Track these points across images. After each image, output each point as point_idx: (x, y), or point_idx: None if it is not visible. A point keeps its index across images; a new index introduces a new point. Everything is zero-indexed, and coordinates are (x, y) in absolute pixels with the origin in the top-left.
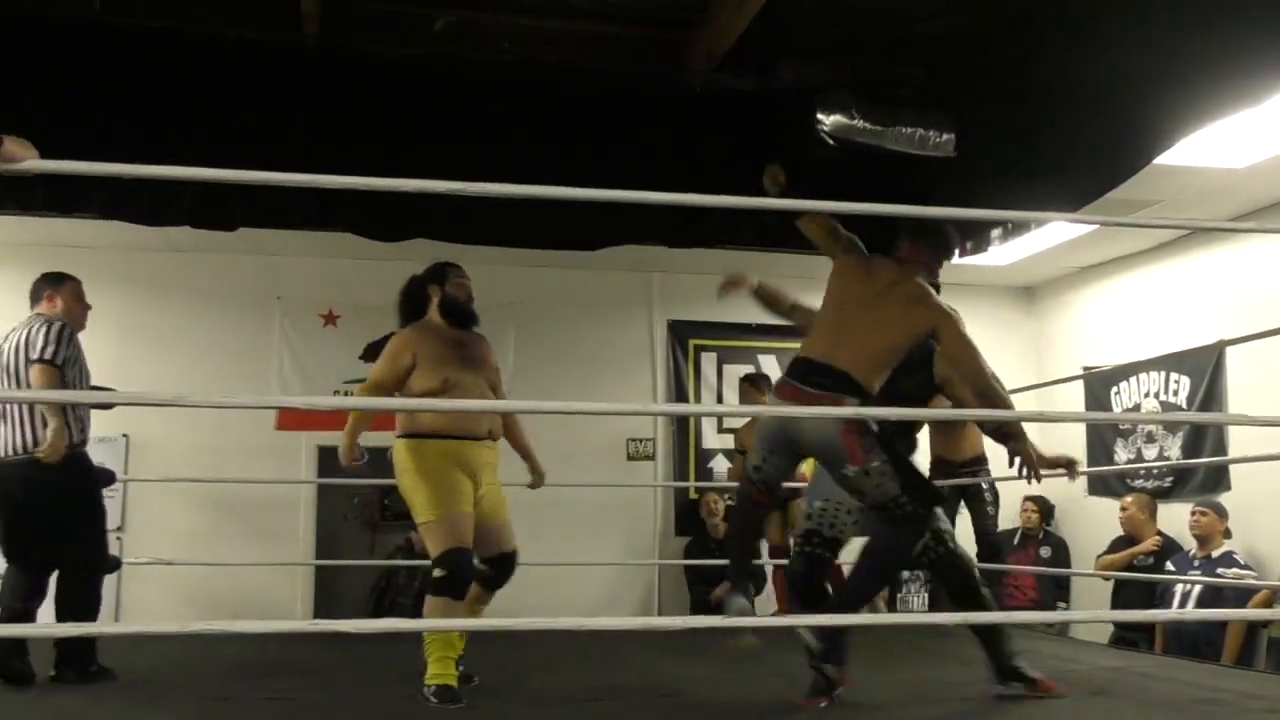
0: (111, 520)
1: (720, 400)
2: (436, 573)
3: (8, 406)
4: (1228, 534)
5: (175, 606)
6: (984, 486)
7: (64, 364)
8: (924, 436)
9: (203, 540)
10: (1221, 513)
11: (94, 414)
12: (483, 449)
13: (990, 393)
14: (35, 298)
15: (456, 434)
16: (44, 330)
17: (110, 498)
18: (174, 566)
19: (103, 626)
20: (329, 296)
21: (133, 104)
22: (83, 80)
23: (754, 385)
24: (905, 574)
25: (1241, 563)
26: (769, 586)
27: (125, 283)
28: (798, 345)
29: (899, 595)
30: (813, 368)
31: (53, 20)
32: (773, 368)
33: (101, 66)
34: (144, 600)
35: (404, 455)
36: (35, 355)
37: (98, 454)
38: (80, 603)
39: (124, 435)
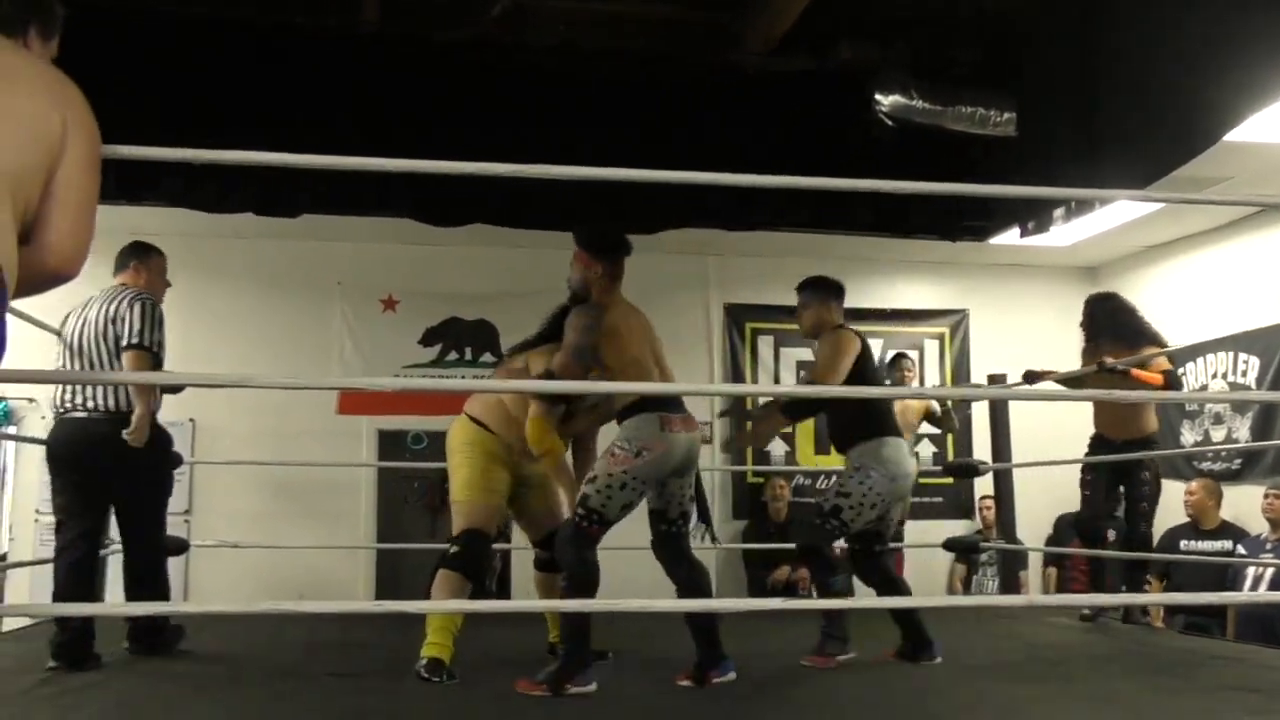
0: (179, 503)
1: (777, 382)
2: (452, 549)
3: (99, 364)
4: None
5: (241, 588)
6: (1144, 473)
7: (159, 349)
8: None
9: (267, 523)
10: None
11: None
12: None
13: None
14: (120, 266)
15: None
16: (139, 309)
17: (177, 481)
18: (239, 549)
19: (172, 606)
20: (389, 282)
21: (197, 93)
22: (149, 70)
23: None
24: (983, 557)
25: None
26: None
27: (190, 269)
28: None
29: (975, 578)
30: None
31: (120, 11)
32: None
33: (168, 57)
34: (211, 582)
35: (454, 435)
36: (134, 339)
37: None
38: (154, 581)
39: (190, 420)
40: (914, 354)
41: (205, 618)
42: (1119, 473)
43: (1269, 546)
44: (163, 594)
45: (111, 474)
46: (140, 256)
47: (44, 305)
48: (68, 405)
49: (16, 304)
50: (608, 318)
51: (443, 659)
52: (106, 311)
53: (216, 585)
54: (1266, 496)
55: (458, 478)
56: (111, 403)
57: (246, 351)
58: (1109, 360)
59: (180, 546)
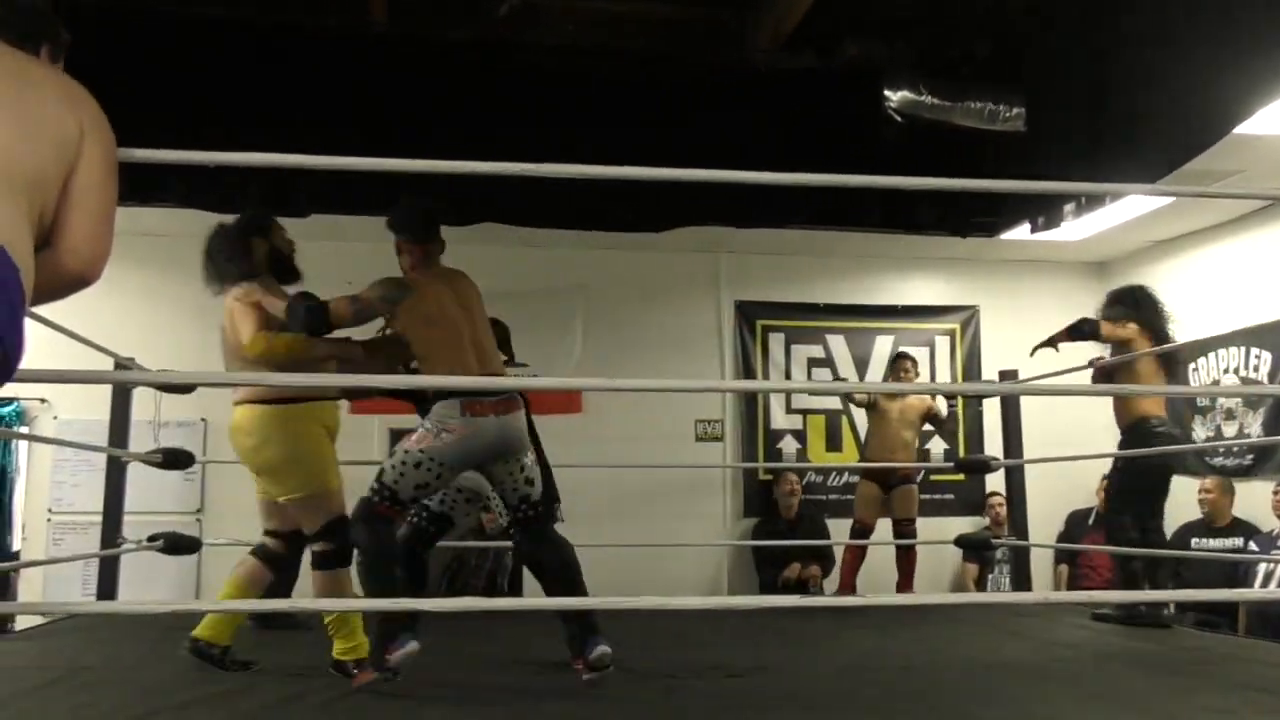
0: (190, 503)
1: (788, 379)
2: (319, 547)
3: None
4: None
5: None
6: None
7: None
8: (994, 411)
9: None
10: None
11: (174, 398)
12: (337, 410)
13: None
14: None
15: (322, 395)
16: None
17: (189, 480)
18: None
19: (186, 604)
20: None
21: (203, 94)
22: (156, 71)
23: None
24: (997, 555)
25: None
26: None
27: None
28: (866, 325)
29: (990, 576)
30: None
31: (127, 12)
32: (841, 347)
33: (174, 57)
34: (224, 580)
35: (263, 423)
36: None
37: (177, 438)
38: None
39: (202, 419)
40: (924, 350)
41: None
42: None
43: None
44: None
45: None
46: None
47: (56, 305)
48: None
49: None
50: (415, 300)
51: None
52: None
53: None
54: (1276, 493)
55: (296, 473)
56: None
57: None
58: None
59: (192, 545)
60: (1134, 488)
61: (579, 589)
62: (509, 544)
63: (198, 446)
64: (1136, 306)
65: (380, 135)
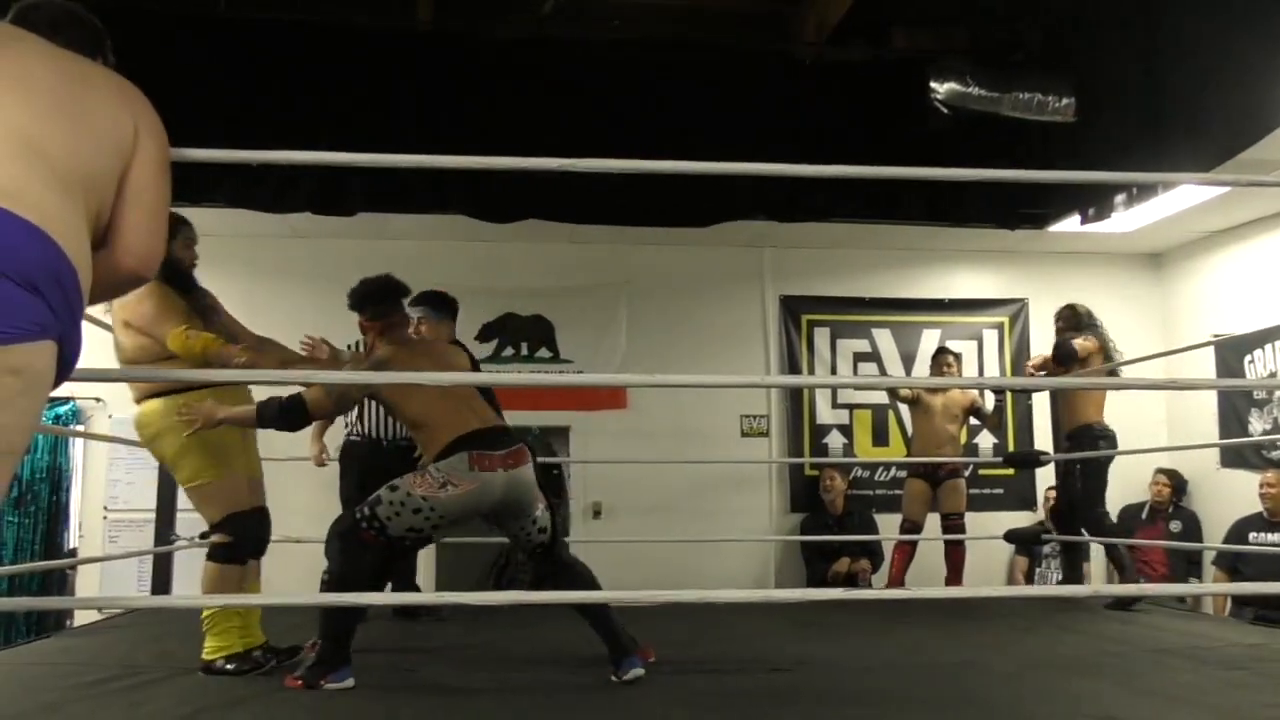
0: None
1: (833, 374)
2: (217, 538)
3: None
4: None
5: (303, 581)
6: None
7: None
8: (1045, 404)
9: (328, 518)
10: None
11: None
12: (240, 394)
13: None
14: None
15: (211, 382)
16: None
17: None
18: (301, 544)
19: (236, 598)
20: (445, 278)
21: (255, 95)
22: (208, 74)
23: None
24: (1045, 549)
25: None
26: (886, 562)
27: (250, 268)
28: (913, 319)
29: (1038, 570)
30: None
31: (180, 18)
32: (887, 341)
33: (225, 60)
34: (274, 576)
35: (159, 416)
36: None
37: None
38: None
39: None
40: (971, 344)
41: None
42: (1065, 463)
43: None
44: None
45: None
46: None
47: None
48: None
49: None
50: (396, 369)
51: (240, 651)
52: None
53: (279, 580)
54: None
55: (188, 463)
56: None
57: None
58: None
59: None
60: (1099, 485)
61: (600, 611)
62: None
63: None
64: (1092, 326)
65: (427, 133)
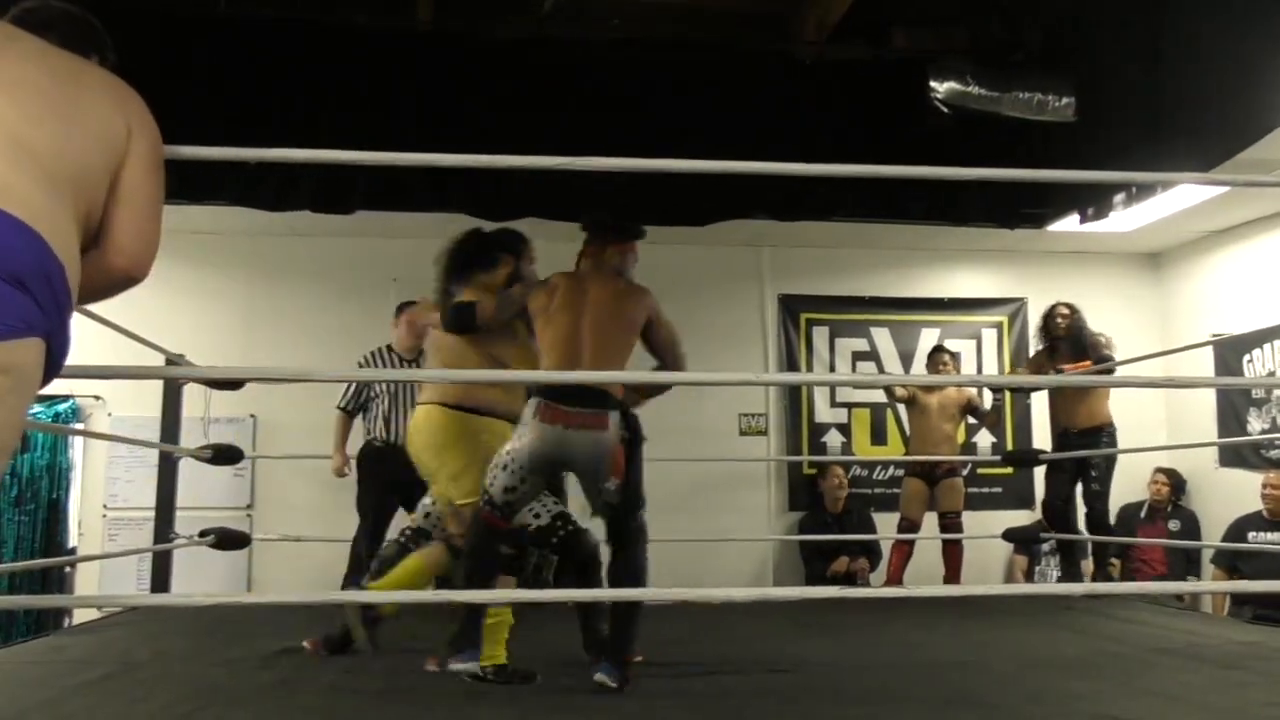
0: (241, 498)
1: (832, 372)
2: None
3: None
4: None
5: (304, 580)
6: (1095, 459)
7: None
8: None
9: (329, 516)
10: None
11: (223, 394)
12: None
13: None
14: None
15: (510, 417)
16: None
17: (239, 475)
18: (302, 543)
19: (234, 596)
20: None
21: (255, 94)
22: (208, 73)
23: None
24: (1044, 548)
25: None
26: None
27: (249, 267)
28: (912, 318)
29: (1037, 568)
30: (572, 391)
31: (180, 18)
32: (886, 341)
33: (225, 59)
34: (274, 574)
35: (457, 426)
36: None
37: (227, 434)
38: None
39: (251, 416)
40: (970, 344)
41: (268, 608)
42: (1078, 462)
43: None
44: None
45: None
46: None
47: (108, 303)
48: None
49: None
50: (539, 294)
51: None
52: None
53: (279, 579)
54: None
55: (469, 478)
56: None
57: (307, 348)
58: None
59: (242, 540)
60: (1109, 486)
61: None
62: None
63: (247, 442)
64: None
65: (427, 132)
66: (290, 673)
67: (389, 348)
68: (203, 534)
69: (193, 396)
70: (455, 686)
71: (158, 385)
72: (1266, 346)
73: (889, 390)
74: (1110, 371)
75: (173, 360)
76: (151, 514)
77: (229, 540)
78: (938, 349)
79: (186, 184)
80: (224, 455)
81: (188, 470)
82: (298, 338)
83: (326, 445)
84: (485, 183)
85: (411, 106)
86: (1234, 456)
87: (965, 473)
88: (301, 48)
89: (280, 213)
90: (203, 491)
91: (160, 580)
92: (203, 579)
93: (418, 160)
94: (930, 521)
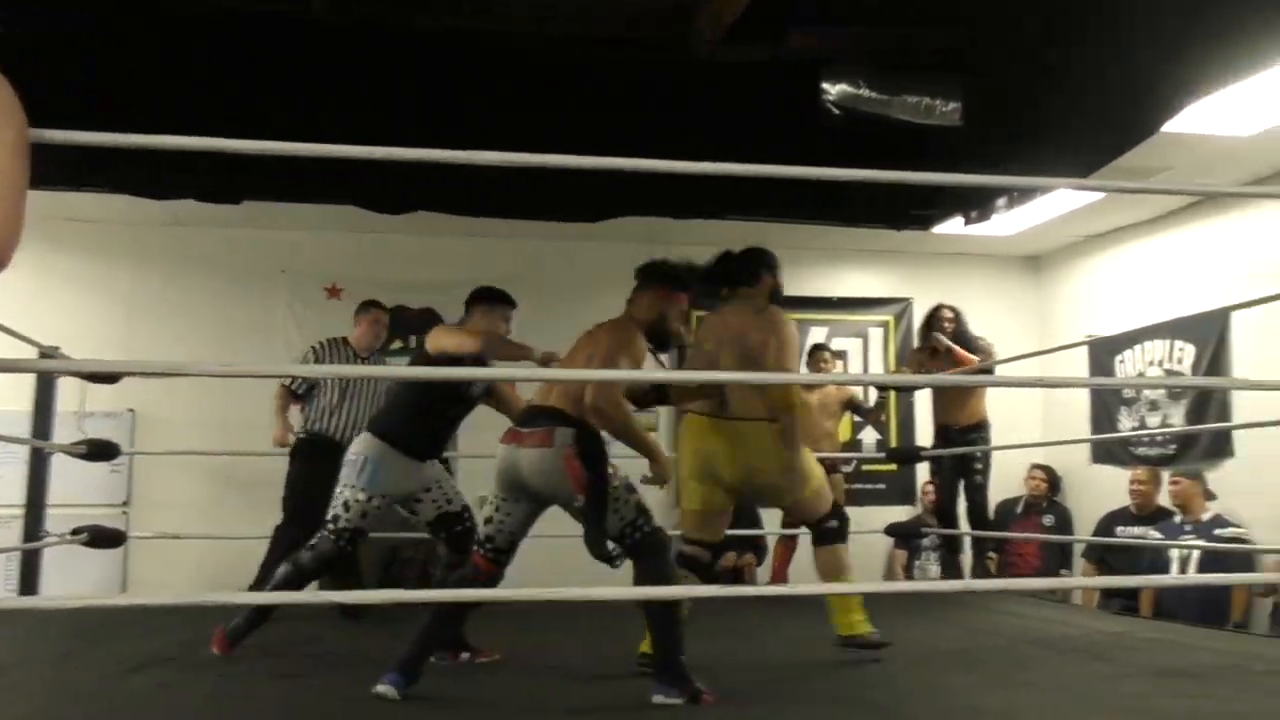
0: (117, 495)
1: None
2: (831, 524)
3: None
4: (1210, 497)
5: (183, 581)
6: (977, 454)
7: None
8: (926, 401)
9: (210, 514)
10: (1197, 478)
11: (100, 388)
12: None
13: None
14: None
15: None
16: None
17: (116, 472)
18: (181, 540)
19: (106, 598)
20: (334, 270)
21: (143, 79)
22: (93, 54)
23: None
24: (924, 543)
25: (1233, 523)
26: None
27: (131, 257)
28: (801, 317)
29: (916, 563)
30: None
31: None
32: None
33: (111, 41)
34: (151, 574)
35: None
36: None
37: (104, 429)
38: None
39: (130, 410)
40: (857, 342)
41: (143, 610)
42: (960, 458)
43: (1189, 528)
44: None
45: None
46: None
47: None
48: None
49: None
50: None
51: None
52: None
53: (157, 578)
54: (1171, 482)
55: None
56: None
57: (190, 341)
58: (940, 338)
59: (117, 539)
60: (989, 481)
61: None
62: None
63: (125, 438)
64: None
65: (317, 121)
66: (167, 676)
67: (345, 340)
68: (75, 532)
69: (67, 390)
70: (340, 700)
71: (29, 377)
72: (1137, 347)
73: None
74: (989, 371)
75: (46, 353)
76: (20, 511)
77: (103, 538)
78: (818, 347)
79: (66, 169)
80: (100, 451)
81: (61, 466)
82: (181, 330)
83: (208, 441)
84: (376, 175)
85: (301, 96)
86: (1105, 453)
87: (848, 469)
88: (193, 31)
89: (164, 201)
90: (76, 488)
91: (29, 581)
92: (75, 579)
93: (305, 150)
94: None
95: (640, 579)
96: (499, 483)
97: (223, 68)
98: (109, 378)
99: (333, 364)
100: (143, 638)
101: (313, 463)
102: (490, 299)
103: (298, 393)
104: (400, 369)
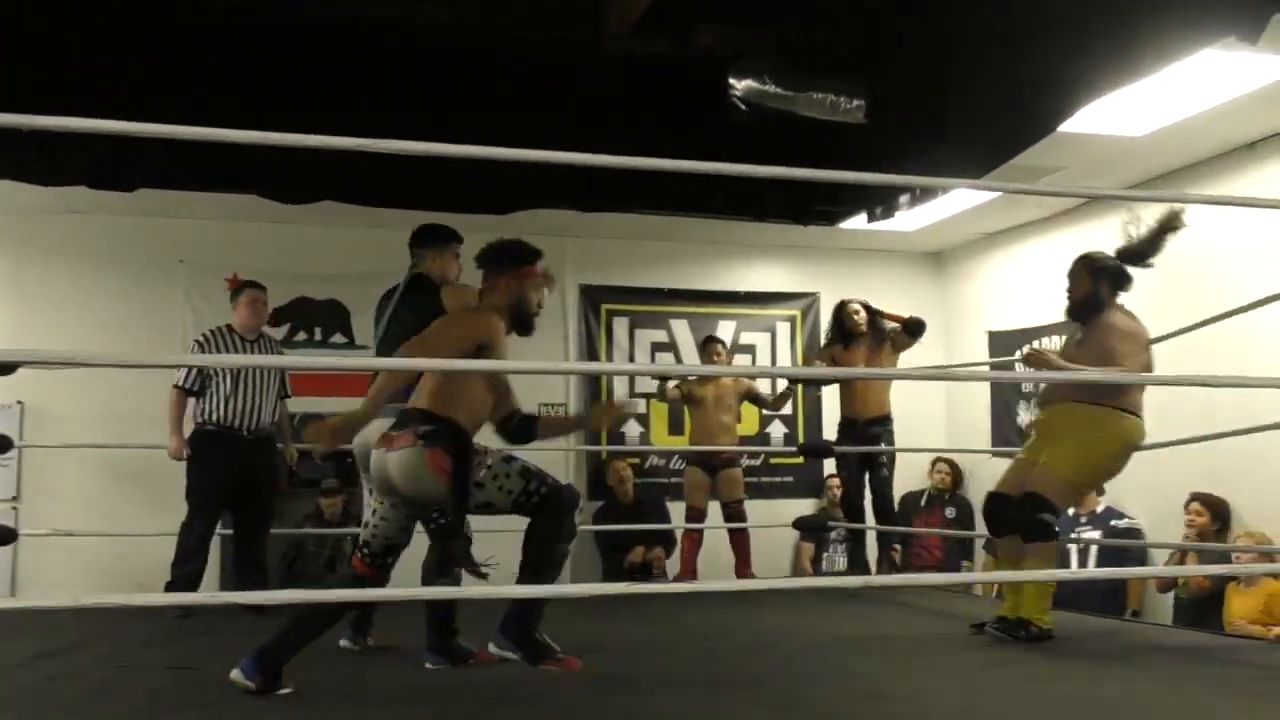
0: (6, 490)
1: (631, 363)
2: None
3: None
4: (1100, 491)
5: (76, 579)
6: (882, 446)
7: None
8: (833, 394)
9: (105, 510)
10: None
11: None
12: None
13: None
14: None
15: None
16: None
17: (4, 466)
18: (75, 539)
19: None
20: (233, 260)
21: (31, 59)
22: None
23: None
24: (832, 535)
25: (1126, 515)
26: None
27: (20, 246)
28: (710, 311)
29: (824, 555)
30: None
31: None
32: (684, 332)
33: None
34: (43, 573)
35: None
36: None
37: None
38: None
39: (19, 402)
40: (765, 336)
41: (33, 612)
42: (866, 452)
43: (1084, 520)
44: None
45: None
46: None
47: None
48: None
49: None
50: None
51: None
52: None
53: (49, 577)
54: None
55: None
56: None
57: (84, 331)
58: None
59: (8, 535)
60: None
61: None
62: (347, 530)
63: (14, 430)
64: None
65: (218, 108)
66: (55, 670)
67: (229, 328)
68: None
69: None
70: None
71: None
72: (1036, 343)
73: (661, 391)
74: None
75: None
76: None
77: None
78: (710, 339)
79: None
80: None
81: None
82: (74, 320)
83: (102, 434)
84: (278, 163)
85: (206, 79)
86: (1004, 446)
87: (747, 462)
88: (90, 13)
89: (55, 188)
90: None
91: None
92: None
93: (204, 135)
94: (715, 510)
95: (529, 532)
96: (375, 487)
97: (120, 51)
98: (5, 368)
99: (221, 353)
100: (37, 636)
101: (213, 453)
102: (442, 238)
103: (192, 390)
104: (295, 359)
